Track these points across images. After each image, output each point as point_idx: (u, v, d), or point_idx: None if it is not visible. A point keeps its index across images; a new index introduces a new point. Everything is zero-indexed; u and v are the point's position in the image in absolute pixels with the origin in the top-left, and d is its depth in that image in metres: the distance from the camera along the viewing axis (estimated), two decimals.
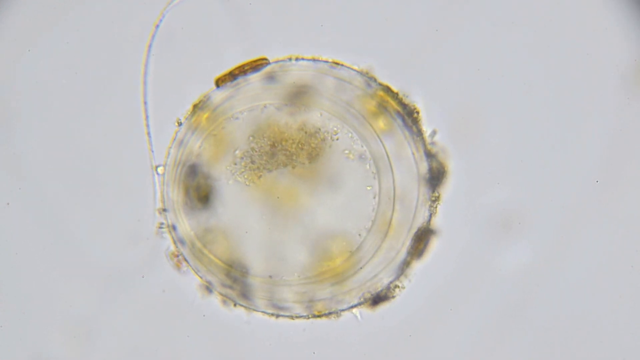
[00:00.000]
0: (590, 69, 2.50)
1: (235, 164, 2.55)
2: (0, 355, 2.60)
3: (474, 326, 2.56)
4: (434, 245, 2.56)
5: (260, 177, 2.54)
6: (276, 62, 2.56)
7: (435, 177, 2.53)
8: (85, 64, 2.57)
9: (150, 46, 2.38)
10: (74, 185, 2.59)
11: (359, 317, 2.58)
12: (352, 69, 2.55)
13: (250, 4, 2.54)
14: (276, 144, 2.54)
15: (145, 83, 2.43)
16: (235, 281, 2.58)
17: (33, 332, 2.60)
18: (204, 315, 2.61)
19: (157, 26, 2.47)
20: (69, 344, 2.61)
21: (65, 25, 2.57)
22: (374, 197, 2.55)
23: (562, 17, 2.50)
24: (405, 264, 2.57)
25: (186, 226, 2.59)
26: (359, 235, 2.55)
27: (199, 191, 2.57)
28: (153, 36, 2.45)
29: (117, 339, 2.61)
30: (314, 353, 2.59)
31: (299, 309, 2.59)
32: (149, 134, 2.52)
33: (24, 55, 2.58)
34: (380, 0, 2.53)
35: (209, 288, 2.60)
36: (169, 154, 2.58)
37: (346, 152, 2.54)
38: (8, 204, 2.59)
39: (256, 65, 2.54)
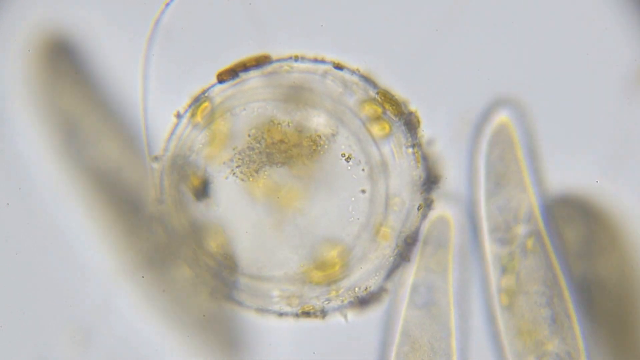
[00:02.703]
0: (590, 70, 2.50)
1: (232, 160, 2.55)
2: (1, 355, 2.60)
3: (474, 325, 2.57)
4: (425, 248, 2.56)
5: (256, 174, 2.54)
6: (278, 60, 2.56)
7: (430, 182, 2.53)
8: (84, 63, 2.58)
9: (158, 20, 2.37)
10: (73, 185, 2.59)
11: (346, 318, 2.59)
12: (352, 70, 2.55)
13: (251, 3, 2.54)
14: (274, 143, 2.54)
15: (148, 51, 2.42)
16: (225, 275, 2.59)
17: (33, 332, 2.61)
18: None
19: (168, 4, 2.47)
20: (68, 343, 2.61)
21: (64, 24, 2.57)
22: (368, 200, 2.55)
23: (562, 18, 2.50)
24: (395, 268, 2.57)
25: (180, 217, 2.59)
26: (350, 236, 2.55)
27: (195, 184, 2.57)
28: (162, 12, 2.45)
29: (117, 339, 2.62)
30: (313, 353, 2.60)
31: (285, 307, 2.59)
32: (145, 112, 2.51)
33: (24, 55, 2.58)
34: (380, 0, 2.54)
35: (198, 280, 2.60)
36: (166, 146, 2.58)
37: (342, 154, 2.54)
38: (8, 204, 2.59)
39: (258, 62, 2.54)
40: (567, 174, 2.53)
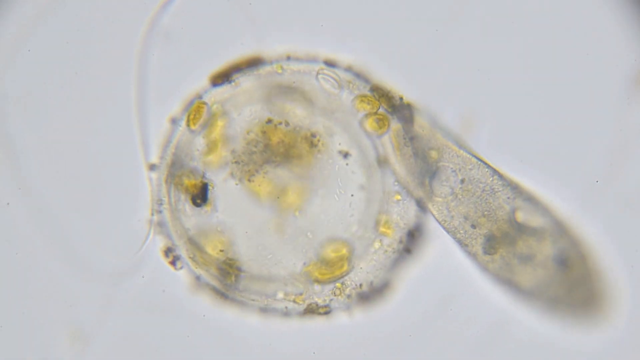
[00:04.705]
0: (591, 70, 2.50)
1: (230, 164, 2.55)
2: (1, 355, 2.60)
3: (473, 325, 2.57)
4: (427, 242, 2.56)
5: (254, 176, 2.55)
6: (272, 60, 2.56)
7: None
8: (85, 63, 2.58)
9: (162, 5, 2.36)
10: (73, 185, 2.60)
11: (350, 315, 2.59)
12: (346, 68, 2.55)
13: (250, 3, 2.54)
14: (271, 144, 2.55)
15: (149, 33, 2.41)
16: (229, 277, 2.59)
17: (33, 332, 2.61)
18: (204, 316, 2.61)
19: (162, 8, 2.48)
20: (68, 343, 2.61)
21: (64, 24, 2.58)
22: (367, 196, 2.55)
23: (562, 18, 2.50)
24: (400, 262, 2.58)
25: (181, 223, 2.59)
26: (352, 233, 2.56)
27: (194, 190, 2.57)
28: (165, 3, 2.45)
29: (117, 339, 2.62)
30: (314, 353, 2.60)
31: (290, 306, 2.59)
32: (140, 118, 2.52)
33: (24, 55, 2.58)
34: (380, 0, 2.54)
35: (201, 283, 2.60)
36: (163, 153, 2.58)
37: (339, 151, 2.54)
38: (8, 204, 2.59)
39: (250, 63, 2.54)
40: (566, 173, 2.53)
